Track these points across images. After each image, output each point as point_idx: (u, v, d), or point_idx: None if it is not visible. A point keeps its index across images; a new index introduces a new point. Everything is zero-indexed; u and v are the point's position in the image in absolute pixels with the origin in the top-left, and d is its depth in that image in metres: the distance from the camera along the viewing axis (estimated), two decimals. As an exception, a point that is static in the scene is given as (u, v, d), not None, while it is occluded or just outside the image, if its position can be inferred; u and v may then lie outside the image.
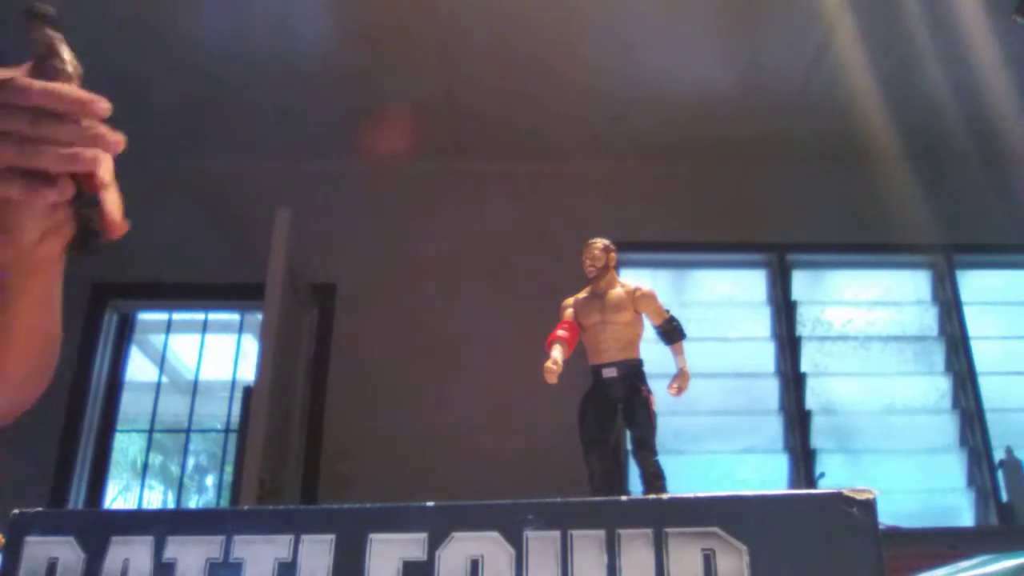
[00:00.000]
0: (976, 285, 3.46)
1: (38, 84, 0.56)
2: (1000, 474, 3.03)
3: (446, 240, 3.35)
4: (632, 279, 0.66)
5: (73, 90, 0.57)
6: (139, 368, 3.53)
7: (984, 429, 3.13)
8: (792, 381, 3.25)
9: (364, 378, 3.10)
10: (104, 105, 0.58)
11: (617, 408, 0.61)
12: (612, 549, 0.39)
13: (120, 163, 0.64)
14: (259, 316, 2.78)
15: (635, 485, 0.61)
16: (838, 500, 0.39)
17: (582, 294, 0.66)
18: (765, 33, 2.90)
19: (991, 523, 2.99)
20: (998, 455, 3.05)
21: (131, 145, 0.64)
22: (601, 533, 0.39)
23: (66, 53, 0.59)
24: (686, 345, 0.65)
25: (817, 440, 3.15)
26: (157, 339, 3.59)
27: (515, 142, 3.39)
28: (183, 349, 3.68)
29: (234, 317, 3.50)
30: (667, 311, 0.65)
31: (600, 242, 0.66)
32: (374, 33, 2.85)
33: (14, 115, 0.55)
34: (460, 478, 2.77)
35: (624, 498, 0.41)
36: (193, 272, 3.21)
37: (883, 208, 3.23)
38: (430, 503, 0.42)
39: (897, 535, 2.48)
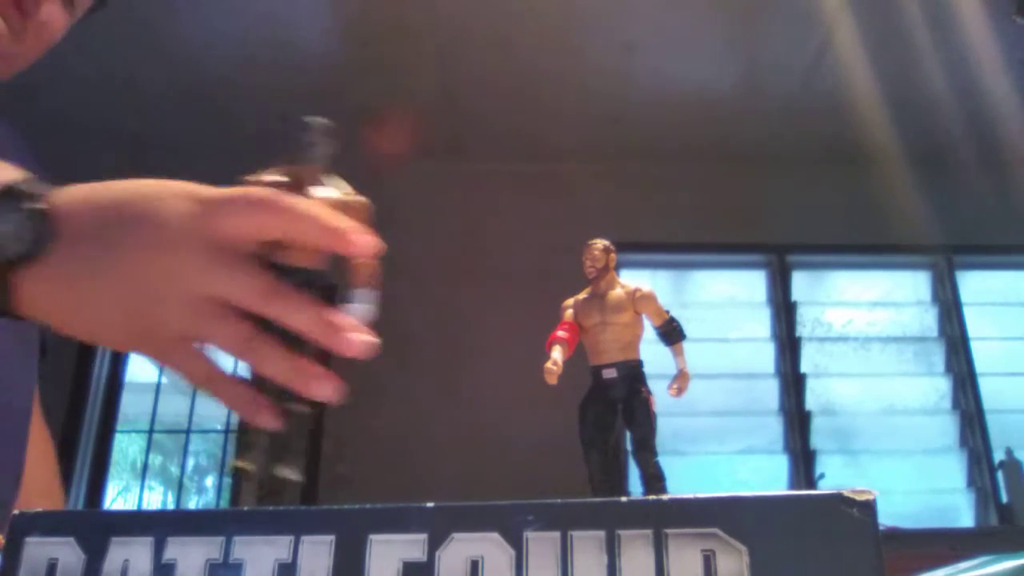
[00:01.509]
0: (976, 286, 3.46)
1: (303, 206, 0.45)
2: (1000, 475, 3.03)
3: (445, 240, 3.35)
4: (632, 280, 0.66)
5: (348, 221, 0.46)
6: (139, 368, 3.53)
7: (984, 430, 3.13)
8: (792, 382, 3.25)
9: (364, 378, 3.09)
10: (367, 240, 0.46)
11: (617, 409, 0.61)
12: (612, 550, 0.39)
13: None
14: (259, 316, 2.77)
15: (635, 486, 0.61)
16: (838, 501, 0.39)
17: (582, 295, 0.66)
18: (765, 33, 2.90)
19: (991, 524, 2.99)
20: (998, 456, 3.05)
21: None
22: (601, 534, 0.39)
23: (342, 183, 0.48)
24: (686, 346, 0.65)
25: (817, 441, 3.15)
26: (157, 339, 3.57)
27: (515, 143, 3.39)
28: (183, 349, 3.67)
29: (234, 317, 3.49)
30: (667, 312, 0.65)
31: (600, 243, 0.66)
32: (374, 33, 2.85)
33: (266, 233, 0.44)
34: (460, 478, 2.77)
35: (624, 499, 0.41)
36: (193, 272, 3.20)
37: (883, 209, 3.23)
38: (430, 503, 0.41)
39: (897, 536, 2.48)
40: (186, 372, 0.45)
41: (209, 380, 0.45)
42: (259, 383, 0.45)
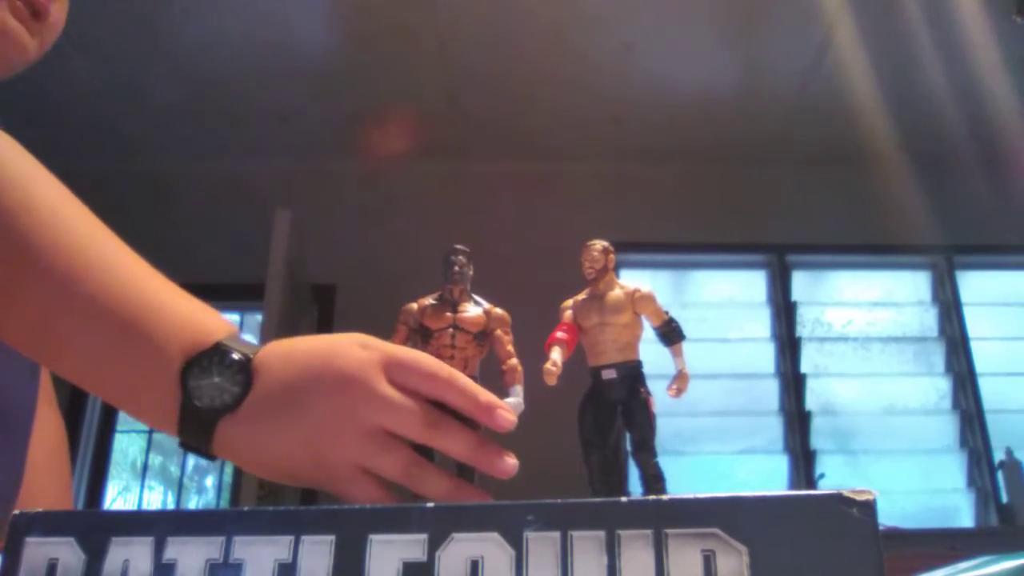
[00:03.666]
0: (976, 286, 3.46)
1: (463, 382, 0.51)
2: (1000, 475, 3.03)
3: (445, 241, 3.33)
4: (632, 280, 0.66)
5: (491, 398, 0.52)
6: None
7: (984, 430, 3.13)
8: (792, 382, 3.25)
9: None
10: (510, 420, 0.51)
11: (616, 410, 0.61)
12: (612, 550, 0.39)
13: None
14: (259, 316, 2.78)
15: (635, 486, 0.61)
16: (838, 501, 0.39)
17: (581, 296, 0.66)
18: (765, 34, 2.90)
19: (991, 524, 2.99)
20: (998, 456, 3.05)
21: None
22: (601, 534, 0.39)
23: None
24: (686, 346, 0.65)
25: (817, 441, 3.15)
26: (157, 339, 3.57)
27: (514, 143, 3.39)
28: (183, 349, 3.67)
29: (234, 317, 3.49)
30: (666, 312, 0.65)
31: (599, 244, 0.66)
32: (374, 33, 2.85)
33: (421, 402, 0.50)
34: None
35: (624, 499, 0.41)
36: (193, 272, 3.19)
37: (883, 209, 3.23)
38: (430, 503, 0.42)
39: (897, 536, 2.47)
40: (356, 498, 0.51)
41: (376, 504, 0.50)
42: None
